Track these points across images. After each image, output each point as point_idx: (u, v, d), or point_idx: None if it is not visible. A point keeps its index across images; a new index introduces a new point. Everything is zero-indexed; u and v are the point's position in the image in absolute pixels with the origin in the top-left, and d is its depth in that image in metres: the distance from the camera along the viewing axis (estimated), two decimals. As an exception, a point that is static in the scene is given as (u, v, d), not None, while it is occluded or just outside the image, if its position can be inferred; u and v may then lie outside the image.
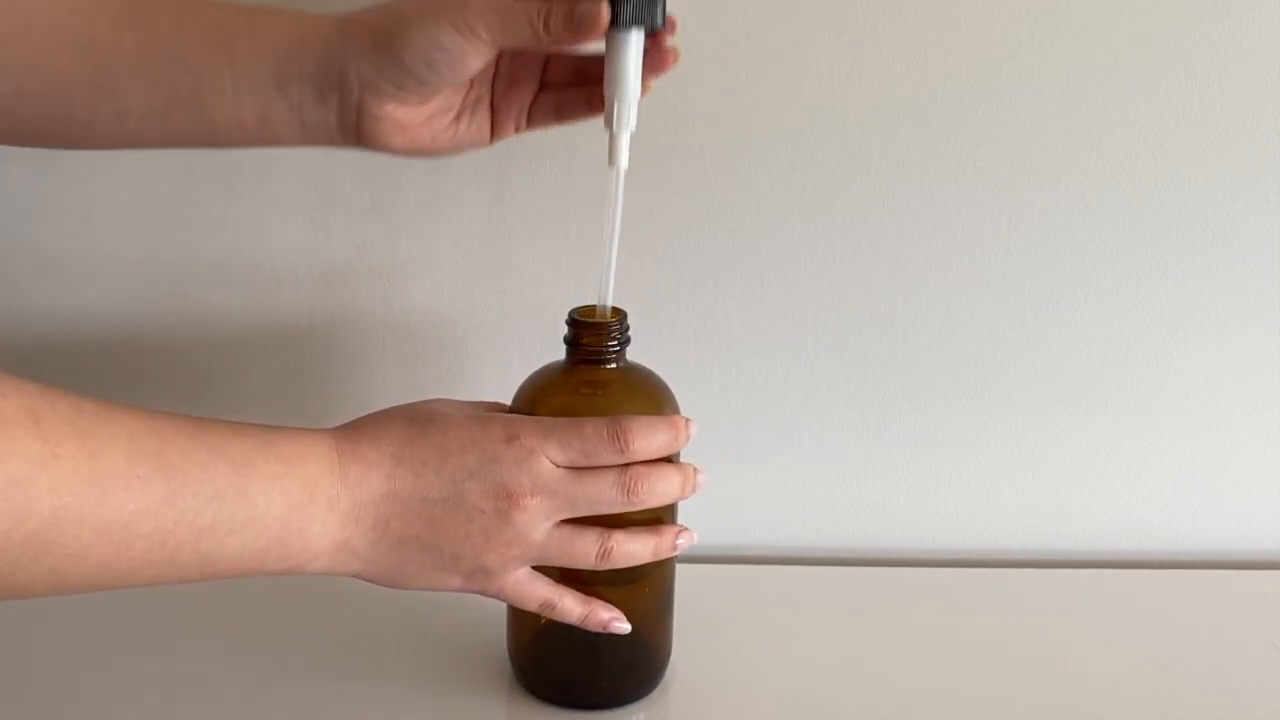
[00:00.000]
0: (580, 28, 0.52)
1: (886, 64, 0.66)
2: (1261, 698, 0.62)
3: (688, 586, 0.62)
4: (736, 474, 0.73)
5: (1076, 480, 0.75)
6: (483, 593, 0.53)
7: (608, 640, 0.56)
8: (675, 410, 0.58)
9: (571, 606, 0.55)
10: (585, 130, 0.58)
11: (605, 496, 0.52)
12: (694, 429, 0.55)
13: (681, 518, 0.59)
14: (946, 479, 0.75)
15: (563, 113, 0.60)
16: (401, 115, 0.55)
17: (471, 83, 0.57)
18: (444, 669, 0.63)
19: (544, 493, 0.51)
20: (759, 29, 0.65)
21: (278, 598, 0.68)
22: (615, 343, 0.56)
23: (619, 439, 0.52)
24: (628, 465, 0.52)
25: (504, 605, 0.60)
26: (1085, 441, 0.74)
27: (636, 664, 0.61)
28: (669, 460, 0.55)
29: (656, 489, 0.53)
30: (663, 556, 0.56)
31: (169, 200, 0.69)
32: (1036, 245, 0.70)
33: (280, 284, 0.70)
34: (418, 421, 0.52)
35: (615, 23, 0.52)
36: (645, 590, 0.60)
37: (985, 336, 0.71)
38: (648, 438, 0.53)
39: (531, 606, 0.54)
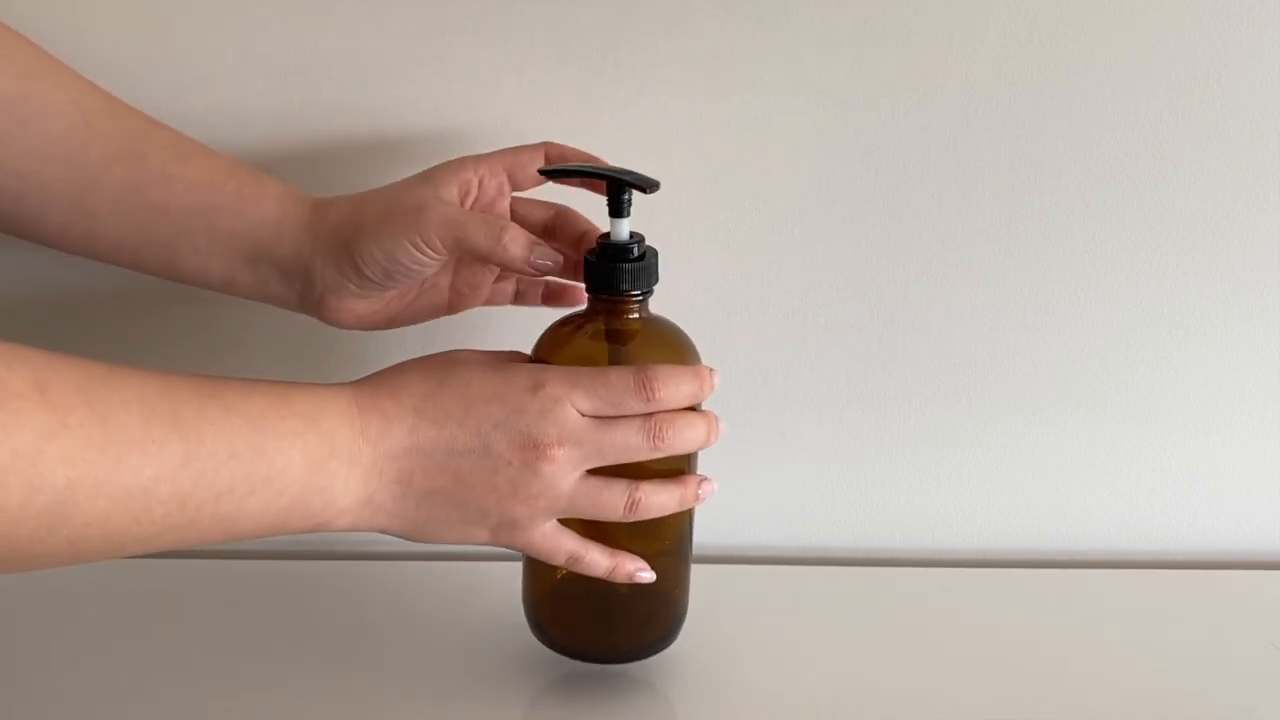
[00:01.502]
0: (536, 268, 0.54)
1: (886, 63, 0.66)
2: (1261, 698, 0.62)
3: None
4: (736, 474, 0.73)
5: (1076, 480, 0.75)
6: (510, 546, 0.53)
7: (625, 595, 0.56)
8: (697, 360, 0.58)
9: (598, 559, 0.55)
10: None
11: (632, 444, 0.52)
12: (717, 379, 0.55)
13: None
14: (946, 479, 0.75)
15: (521, 299, 0.63)
16: (359, 307, 0.58)
17: None
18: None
19: (571, 442, 0.51)
20: (759, 28, 0.65)
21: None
22: (638, 291, 0.56)
23: (645, 387, 0.52)
24: (653, 413, 0.52)
25: (520, 557, 0.60)
26: (1085, 441, 0.74)
27: (655, 617, 0.61)
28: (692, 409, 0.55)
29: (682, 435, 0.53)
30: (687, 506, 0.56)
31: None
32: (1036, 245, 0.70)
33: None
34: (438, 373, 0.52)
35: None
36: (665, 543, 0.59)
37: (985, 336, 0.71)
38: (674, 386, 0.52)
39: (559, 560, 0.54)
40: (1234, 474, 0.75)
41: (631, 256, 0.55)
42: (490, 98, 0.66)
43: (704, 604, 0.63)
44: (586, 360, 0.55)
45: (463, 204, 0.57)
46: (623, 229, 0.55)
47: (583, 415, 0.51)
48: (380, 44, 0.65)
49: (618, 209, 0.55)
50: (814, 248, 0.69)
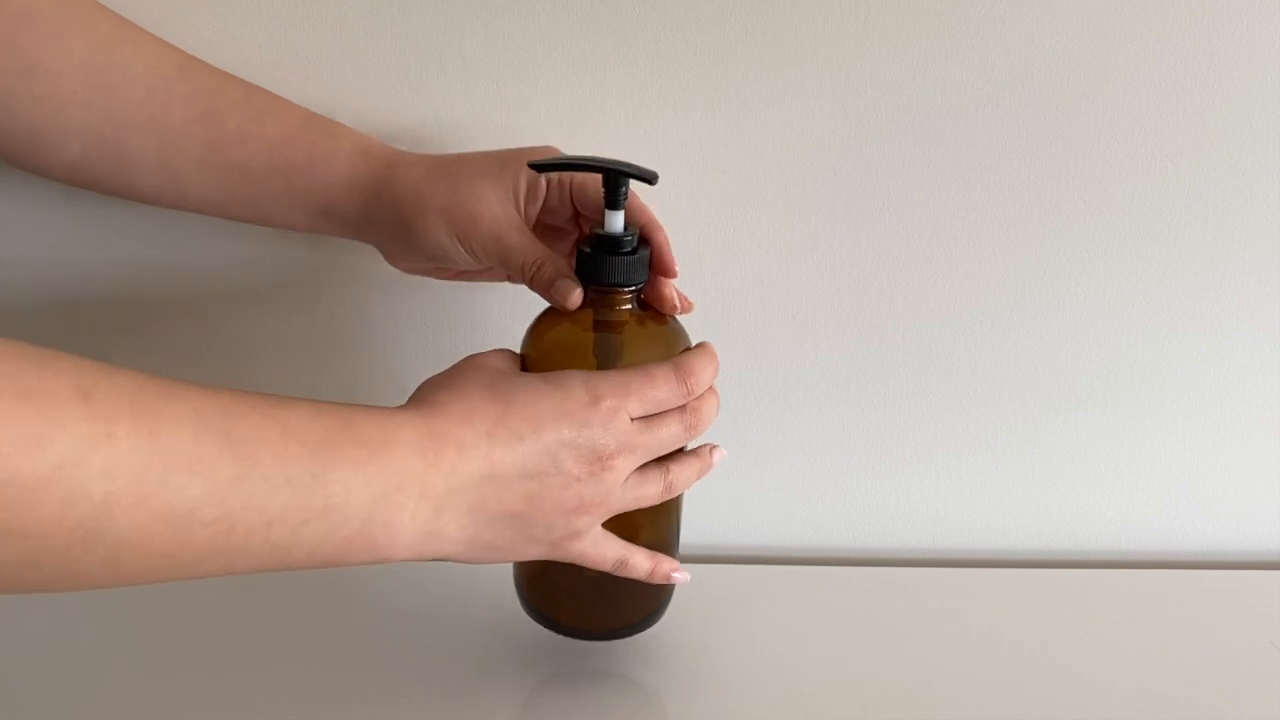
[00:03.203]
0: (554, 301, 0.55)
1: (886, 63, 0.66)
2: (1261, 698, 0.62)
3: (688, 585, 0.62)
4: (736, 474, 0.73)
5: (1076, 480, 0.75)
6: (563, 558, 0.53)
7: (612, 574, 0.56)
8: (688, 344, 0.58)
9: (641, 562, 0.56)
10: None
11: (673, 435, 0.53)
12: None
13: (686, 514, 0.59)
14: (946, 479, 0.75)
15: None
16: (423, 266, 0.62)
17: None
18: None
19: (627, 449, 0.51)
20: (758, 29, 0.65)
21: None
22: (631, 285, 0.56)
23: (685, 381, 0.53)
24: (687, 403, 0.54)
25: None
26: (1085, 441, 0.74)
27: (643, 595, 0.61)
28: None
29: (706, 418, 0.54)
30: (706, 474, 0.57)
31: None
32: (1036, 245, 0.70)
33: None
34: (499, 392, 0.51)
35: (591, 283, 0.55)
36: (661, 530, 0.60)
37: (985, 336, 0.71)
38: (703, 374, 0.54)
39: (606, 566, 0.55)
40: (1234, 474, 0.75)
41: (624, 250, 0.54)
42: (493, 96, 0.66)
43: (704, 603, 0.63)
44: (573, 348, 0.56)
45: (529, 202, 0.58)
46: (617, 221, 0.54)
47: (632, 419, 0.52)
48: (384, 44, 0.65)
49: (614, 201, 0.54)
50: (814, 248, 0.69)
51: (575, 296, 0.54)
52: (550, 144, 0.66)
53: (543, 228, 0.60)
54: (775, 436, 0.73)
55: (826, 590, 0.71)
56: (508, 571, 0.62)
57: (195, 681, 0.61)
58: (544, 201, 0.58)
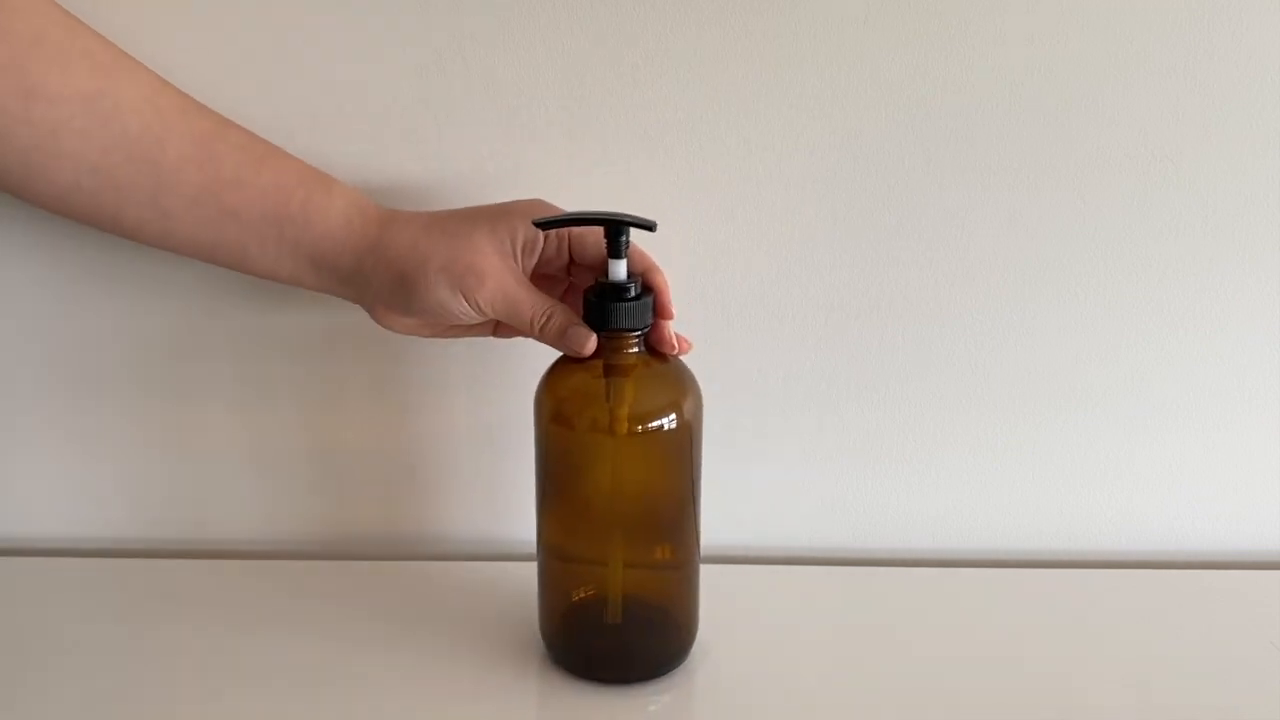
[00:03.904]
0: (567, 349, 0.58)
1: (886, 63, 0.66)
2: (1261, 698, 0.62)
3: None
4: (737, 474, 0.73)
5: (1076, 480, 0.75)
6: None
7: (638, 616, 0.57)
8: (696, 393, 0.59)
9: None
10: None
11: None
12: None
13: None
14: (946, 479, 0.75)
15: None
16: (408, 322, 0.61)
17: None
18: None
19: None
20: (758, 29, 0.65)
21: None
22: (635, 329, 0.58)
23: None
24: None
25: (535, 585, 0.62)
26: (1085, 441, 0.74)
27: (665, 640, 0.62)
28: None
29: None
30: None
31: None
32: (1036, 245, 0.70)
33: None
34: None
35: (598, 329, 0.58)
36: (672, 569, 0.61)
37: (985, 336, 0.71)
38: None
39: None
40: (1234, 474, 0.75)
41: (628, 296, 0.57)
42: (492, 96, 0.66)
43: (703, 604, 0.63)
44: (587, 393, 0.58)
45: (526, 255, 0.59)
46: (621, 269, 0.57)
47: None
48: (384, 45, 0.65)
49: (617, 250, 0.56)
50: (814, 248, 0.69)
51: (591, 342, 0.57)
52: (550, 145, 0.66)
53: (535, 277, 0.61)
54: (775, 436, 0.73)
55: (826, 590, 0.71)
56: (517, 572, 0.61)
57: (202, 684, 0.61)
58: (540, 253, 0.60)
